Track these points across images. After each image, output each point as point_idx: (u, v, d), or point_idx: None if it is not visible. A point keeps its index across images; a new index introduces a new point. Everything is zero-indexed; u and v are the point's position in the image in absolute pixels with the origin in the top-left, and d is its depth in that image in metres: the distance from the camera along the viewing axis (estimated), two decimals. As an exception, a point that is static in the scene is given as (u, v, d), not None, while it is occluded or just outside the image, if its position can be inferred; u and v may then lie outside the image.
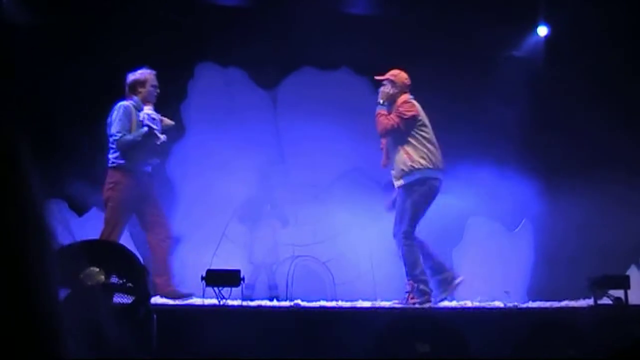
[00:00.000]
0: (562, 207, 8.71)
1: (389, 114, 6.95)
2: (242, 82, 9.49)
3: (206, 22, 8.99)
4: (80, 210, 8.64)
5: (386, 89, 7.06)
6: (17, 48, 8.14)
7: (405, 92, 7.07)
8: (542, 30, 9.45)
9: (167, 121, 7.04)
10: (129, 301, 4.84)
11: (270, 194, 9.22)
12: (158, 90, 6.95)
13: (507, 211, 9.23)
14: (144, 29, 8.40)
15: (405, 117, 6.88)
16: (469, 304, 6.98)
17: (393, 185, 7.07)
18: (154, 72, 6.95)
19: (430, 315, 5.97)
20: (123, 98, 6.85)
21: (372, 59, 8.94)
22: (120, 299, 4.83)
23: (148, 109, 6.79)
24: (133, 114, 6.75)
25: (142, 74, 6.89)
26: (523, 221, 9.34)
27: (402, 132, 6.89)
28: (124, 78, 6.90)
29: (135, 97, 6.83)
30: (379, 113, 6.96)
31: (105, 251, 4.89)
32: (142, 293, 4.85)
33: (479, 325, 5.74)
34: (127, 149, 6.64)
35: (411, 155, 6.86)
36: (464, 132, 8.71)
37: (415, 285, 6.78)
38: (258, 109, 9.52)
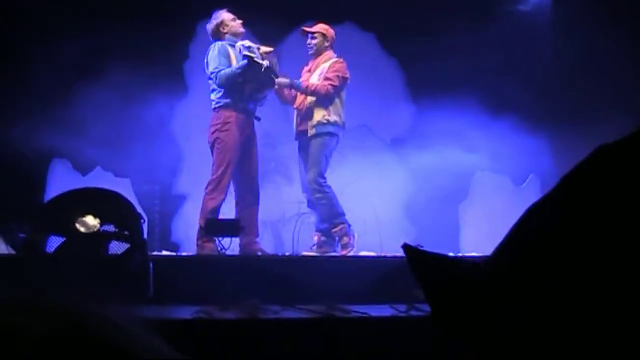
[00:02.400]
0: (569, 162, 8.56)
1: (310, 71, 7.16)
2: (244, 39, 9.38)
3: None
4: (83, 169, 8.65)
5: (317, 41, 7.24)
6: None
7: (331, 49, 7.31)
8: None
9: (265, 48, 6.92)
10: (125, 248, 4.83)
11: (274, 151, 9.18)
12: (240, 22, 6.95)
13: (513, 166, 9.13)
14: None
15: (345, 77, 7.10)
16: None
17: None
18: (225, 9, 6.95)
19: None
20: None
21: (376, 13, 8.86)
22: (115, 246, 4.82)
23: (238, 43, 6.71)
24: (230, 51, 6.67)
25: (215, 16, 6.92)
26: (530, 176, 9.25)
27: (335, 92, 7.03)
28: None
29: (227, 36, 6.81)
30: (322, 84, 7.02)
31: (100, 199, 4.87)
32: (138, 241, 4.84)
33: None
34: (229, 84, 6.50)
35: (330, 111, 7.01)
36: (467, 87, 8.63)
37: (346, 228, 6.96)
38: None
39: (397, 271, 5.11)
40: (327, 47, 7.26)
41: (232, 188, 6.82)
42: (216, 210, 6.50)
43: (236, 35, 6.84)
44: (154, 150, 8.19)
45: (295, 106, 7.16)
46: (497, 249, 1.16)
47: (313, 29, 7.30)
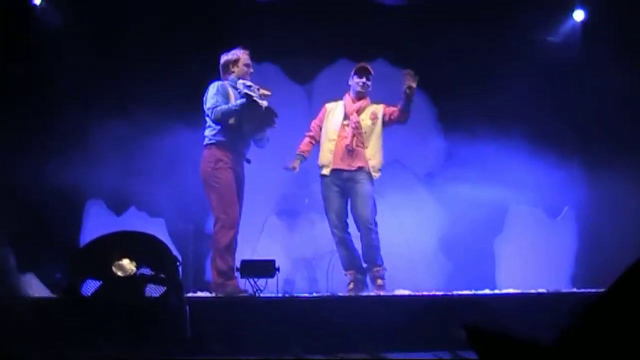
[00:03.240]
0: (604, 193, 8.53)
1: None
2: (276, 77, 9.44)
3: (238, 16, 8.97)
4: (118, 209, 8.70)
5: (371, 83, 7.31)
6: (53, 49, 8.29)
7: None
8: (579, 15, 9.24)
9: (265, 91, 6.85)
10: (161, 292, 4.83)
11: (308, 188, 9.17)
12: (252, 70, 6.85)
13: (548, 199, 9.06)
14: (177, 26, 8.43)
15: None
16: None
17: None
18: (247, 51, 6.86)
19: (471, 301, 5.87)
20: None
21: (408, 49, 8.87)
22: (152, 289, 4.83)
23: (240, 81, 6.67)
24: (229, 91, 6.62)
25: (234, 53, 6.82)
26: (565, 209, 9.16)
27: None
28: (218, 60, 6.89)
29: (230, 76, 6.74)
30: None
31: (136, 242, 4.88)
32: (174, 283, 4.84)
33: (519, 310, 5.65)
34: (225, 120, 6.44)
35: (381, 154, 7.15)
36: (502, 120, 8.61)
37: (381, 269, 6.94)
38: (293, 104, 9.44)
39: (436, 310, 5.06)
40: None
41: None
42: (230, 246, 6.50)
43: (241, 77, 6.76)
44: (187, 189, 8.21)
45: (347, 144, 7.03)
46: (564, 334, 1.13)
47: (371, 70, 7.28)
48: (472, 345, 1.16)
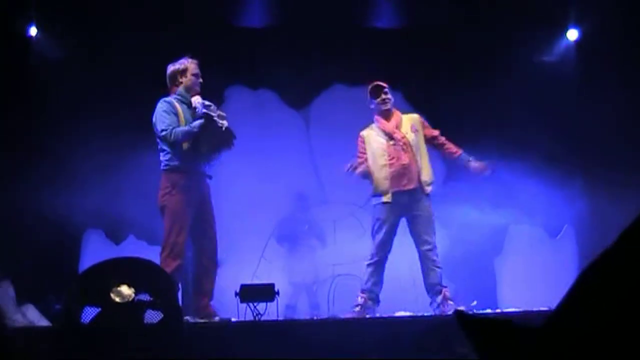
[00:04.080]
0: (604, 211, 8.52)
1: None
2: (272, 103, 9.50)
3: (233, 45, 9.02)
4: (117, 238, 8.71)
5: (390, 95, 7.11)
6: (49, 80, 8.33)
7: None
8: (572, 34, 9.28)
9: (220, 113, 6.39)
10: (159, 318, 4.80)
11: (307, 213, 9.19)
12: (201, 80, 6.39)
13: (548, 218, 9.05)
14: (171, 57, 8.46)
15: None
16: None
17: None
18: (195, 60, 6.39)
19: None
20: (167, 95, 6.33)
21: (403, 72, 8.90)
22: (151, 315, 4.80)
23: (197, 100, 6.19)
24: (178, 108, 6.15)
25: (181, 62, 6.35)
26: (565, 227, 9.15)
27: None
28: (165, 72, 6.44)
29: (178, 89, 6.28)
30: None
31: (134, 268, 4.85)
32: (173, 309, 4.81)
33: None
34: (181, 143, 6.03)
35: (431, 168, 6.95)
36: (497, 140, 8.61)
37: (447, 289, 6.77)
38: (290, 129, 9.50)
39: (438, 330, 5.02)
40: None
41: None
42: (174, 276, 5.85)
43: (188, 91, 6.27)
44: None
45: (402, 164, 6.76)
46: (556, 312, 1.12)
47: (385, 84, 7.03)
48: (467, 334, 1.15)
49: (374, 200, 6.96)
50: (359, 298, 6.77)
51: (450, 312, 6.46)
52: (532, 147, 8.82)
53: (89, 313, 4.65)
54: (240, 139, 8.97)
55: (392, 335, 5.41)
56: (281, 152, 9.24)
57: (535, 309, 6.92)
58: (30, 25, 8.65)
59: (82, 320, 4.64)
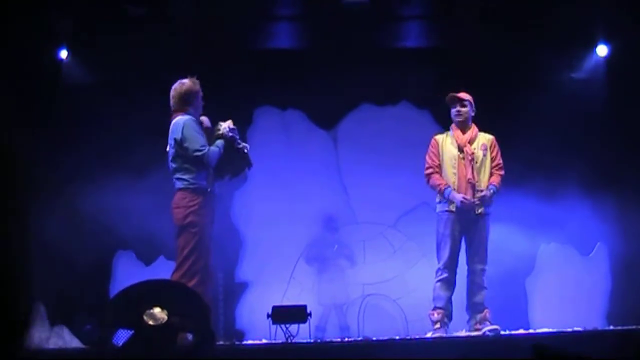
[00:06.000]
0: (636, 228, 8.46)
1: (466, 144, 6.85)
2: (301, 124, 9.51)
3: (261, 66, 9.06)
4: (147, 260, 8.74)
5: (467, 109, 6.95)
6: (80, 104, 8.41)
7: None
8: (602, 50, 9.22)
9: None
10: (193, 340, 4.81)
11: (337, 234, 9.18)
12: (203, 103, 6.33)
13: (579, 236, 8.97)
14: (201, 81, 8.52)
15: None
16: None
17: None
18: (198, 81, 6.31)
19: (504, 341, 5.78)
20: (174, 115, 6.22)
21: (431, 90, 8.88)
22: (183, 338, 4.81)
23: (226, 122, 6.28)
24: (201, 128, 6.18)
25: (194, 82, 6.27)
26: (597, 245, 9.06)
27: None
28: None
29: (190, 109, 6.20)
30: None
31: (166, 291, 4.88)
32: (205, 332, 4.82)
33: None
34: (210, 165, 6.04)
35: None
36: (529, 158, 8.56)
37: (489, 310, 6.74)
38: (319, 150, 9.51)
39: (474, 353, 4.98)
40: (472, 116, 7.00)
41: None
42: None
43: (197, 112, 6.26)
44: (214, 238, 8.21)
45: (469, 178, 6.74)
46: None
47: (464, 96, 6.95)
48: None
49: (439, 207, 6.93)
50: (435, 314, 6.73)
51: (491, 333, 6.44)
52: (563, 164, 8.77)
53: (123, 336, 4.67)
54: (269, 160, 9.06)
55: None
56: (310, 172, 9.26)
57: (569, 329, 6.86)
58: (61, 49, 8.73)
59: (115, 342, 4.66)
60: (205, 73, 6.60)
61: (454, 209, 6.76)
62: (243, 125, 9.05)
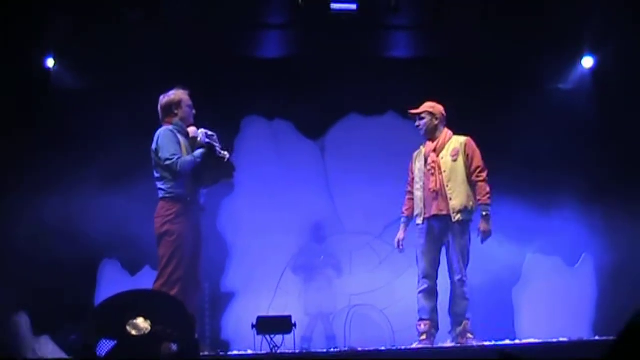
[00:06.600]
0: (622, 239, 8.48)
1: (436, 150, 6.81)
2: (288, 133, 9.50)
3: (249, 76, 9.04)
4: (132, 269, 8.70)
5: (426, 121, 6.90)
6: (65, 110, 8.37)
7: (443, 125, 6.95)
8: (588, 62, 9.26)
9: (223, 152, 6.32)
10: (176, 350, 4.77)
11: (324, 243, 9.17)
12: (194, 111, 6.34)
13: (565, 247, 8.98)
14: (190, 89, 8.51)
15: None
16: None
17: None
18: (187, 91, 6.33)
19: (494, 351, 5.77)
20: (159, 126, 6.25)
21: (418, 100, 8.88)
22: (166, 348, 4.77)
23: (200, 130, 6.22)
24: (179, 138, 6.14)
25: (175, 93, 6.29)
26: (583, 255, 9.08)
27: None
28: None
29: (174, 120, 6.23)
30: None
31: (150, 300, 4.83)
32: (189, 342, 4.78)
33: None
34: (186, 173, 6.01)
35: (471, 196, 6.71)
36: (514, 169, 8.58)
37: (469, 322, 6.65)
38: (306, 159, 9.50)
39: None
40: (437, 124, 6.90)
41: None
42: None
43: (184, 122, 6.24)
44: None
45: (430, 188, 6.70)
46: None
47: (419, 110, 6.94)
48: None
49: (416, 222, 6.87)
50: (422, 325, 6.68)
51: (469, 344, 6.41)
52: (550, 175, 8.79)
53: (105, 346, 4.63)
54: (256, 168, 9.05)
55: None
56: (297, 182, 9.25)
57: (554, 339, 6.85)
58: (48, 57, 8.69)
59: (98, 353, 4.62)
60: (193, 81, 6.60)
61: (420, 222, 6.76)
62: (231, 134, 9.08)
